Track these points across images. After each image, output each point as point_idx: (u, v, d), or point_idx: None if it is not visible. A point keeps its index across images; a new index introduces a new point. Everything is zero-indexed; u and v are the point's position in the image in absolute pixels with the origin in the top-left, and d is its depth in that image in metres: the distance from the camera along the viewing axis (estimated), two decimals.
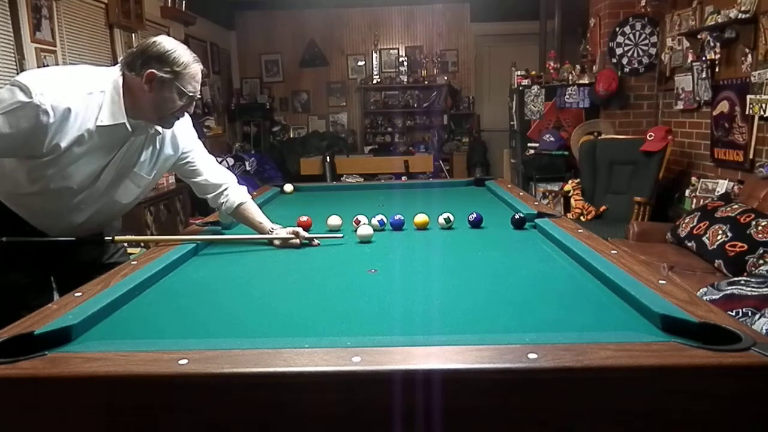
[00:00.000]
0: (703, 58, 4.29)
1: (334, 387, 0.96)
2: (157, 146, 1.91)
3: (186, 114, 1.83)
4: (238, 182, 2.11)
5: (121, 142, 1.78)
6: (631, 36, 5.30)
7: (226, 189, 2.05)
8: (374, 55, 8.42)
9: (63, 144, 1.64)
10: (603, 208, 4.74)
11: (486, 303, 1.35)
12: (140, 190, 1.96)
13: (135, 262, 1.66)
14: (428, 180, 5.67)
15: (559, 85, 5.64)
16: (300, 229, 1.99)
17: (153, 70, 1.66)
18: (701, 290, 2.54)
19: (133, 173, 1.89)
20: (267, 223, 2.03)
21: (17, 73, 3.63)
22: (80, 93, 1.66)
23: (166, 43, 1.69)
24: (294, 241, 1.95)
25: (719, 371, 0.93)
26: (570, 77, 5.63)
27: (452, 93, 8.40)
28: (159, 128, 1.85)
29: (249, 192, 2.13)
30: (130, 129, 1.74)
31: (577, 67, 5.73)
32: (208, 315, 1.33)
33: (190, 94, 1.73)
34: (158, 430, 0.98)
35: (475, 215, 2.12)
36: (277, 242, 1.98)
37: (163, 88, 1.69)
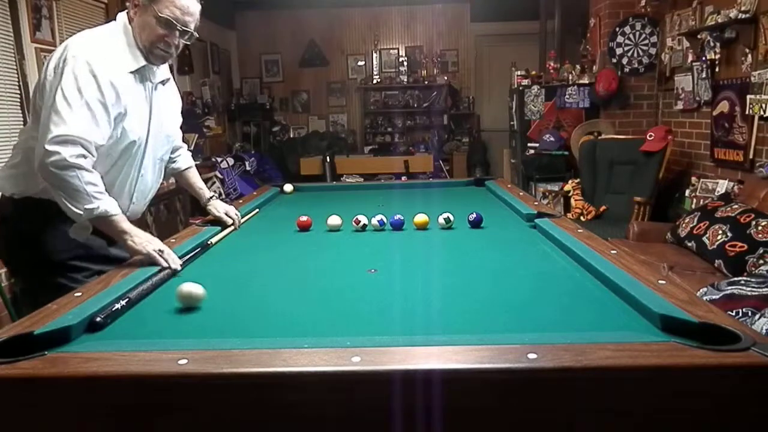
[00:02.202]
0: (703, 58, 4.29)
1: (334, 387, 0.96)
2: (165, 97, 1.94)
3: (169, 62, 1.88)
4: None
5: (147, 86, 1.84)
6: (631, 36, 5.30)
7: (180, 149, 2.16)
8: (374, 55, 8.42)
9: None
10: (603, 208, 4.74)
11: (486, 303, 1.35)
12: (169, 145, 2.02)
13: None
14: (428, 180, 5.67)
15: (559, 85, 5.64)
16: (234, 211, 2.16)
17: None
18: (701, 290, 2.53)
19: (163, 126, 1.92)
20: (206, 192, 2.20)
21: (17, 73, 3.63)
22: (111, 47, 1.73)
23: None
24: (227, 220, 2.14)
25: (719, 371, 0.93)
26: (570, 77, 5.63)
27: (452, 93, 8.40)
28: (163, 71, 1.89)
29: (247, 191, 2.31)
30: (144, 65, 1.78)
31: (577, 67, 5.73)
32: (208, 315, 1.33)
33: (166, 17, 1.70)
34: (158, 430, 0.98)
35: (475, 215, 2.12)
36: (214, 212, 2.14)
37: (143, 13, 1.72)
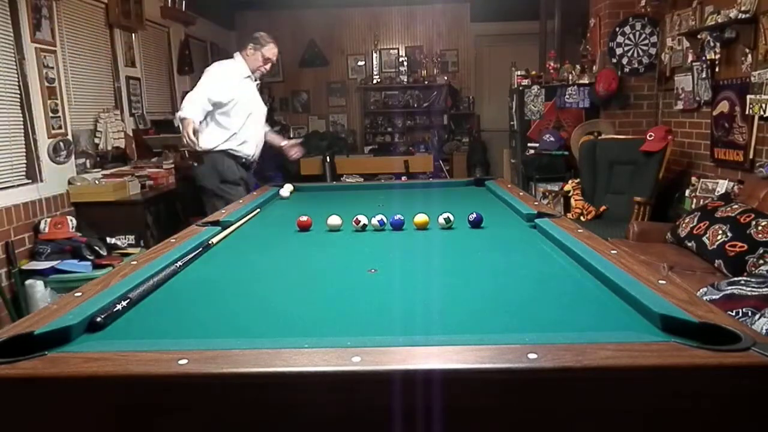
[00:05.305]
0: (703, 58, 4.29)
1: (334, 387, 0.96)
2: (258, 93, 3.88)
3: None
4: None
5: (251, 83, 3.77)
6: (631, 36, 5.30)
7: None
8: (374, 55, 8.42)
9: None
10: (603, 208, 4.74)
11: (486, 303, 1.35)
12: (264, 118, 3.95)
13: (135, 262, 1.66)
14: (428, 180, 5.67)
15: (559, 85, 5.64)
16: (293, 143, 4.05)
17: (252, 44, 3.69)
18: (701, 290, 2.53)
19: (260, 106, 3.86)
20: (279, 140, 4.08)
21: (17, 73, 3.63)
22: (233, 65, 3.76)
23: (261, 34, 3.75)
24: (293, 153, 4.01)
25: (719, 371, 0.93)
26: (570, 77, 5.63)
27: (452, 93, 8.40)
28: (256, 78, 3.78)
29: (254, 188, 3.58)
30: (249, 74, 3.74)
31: (577, 67, 5.72)
32: (208, 315, 1.33)
33: (267, 57, 3.70)
34: (158, 430, 0.98)
35: (475, 215, 2.12)
36: (293, 153, 4.00)
37: (254, 53, 3.67)
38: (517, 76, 5.93)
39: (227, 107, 3.57)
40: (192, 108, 3.45)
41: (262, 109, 3.88)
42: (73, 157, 4.10)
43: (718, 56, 4.16)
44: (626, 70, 5.36)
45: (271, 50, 3.67)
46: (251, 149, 3.74)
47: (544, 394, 0.95)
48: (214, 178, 3.63)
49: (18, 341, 1.08)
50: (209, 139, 3.61)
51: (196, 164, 3.70)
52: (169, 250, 1.80)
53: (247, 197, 3.02)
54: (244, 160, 3.72)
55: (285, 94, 8.67)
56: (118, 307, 1.29)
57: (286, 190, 3.11)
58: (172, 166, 4.97)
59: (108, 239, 3.93)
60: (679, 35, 4.73)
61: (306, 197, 3.11)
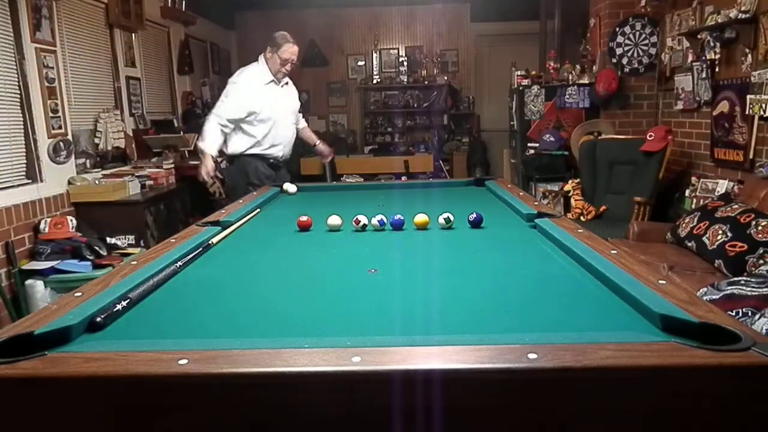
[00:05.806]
0: (703, 58, 4.29)
1: (334, 387, 0.95)
2: (288, 93, 3.88)
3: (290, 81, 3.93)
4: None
5: (275, 87, 3.76)
6: (631, 36, 5.30)
7: (300, 119, 4.10)
8: (374, 55, 8.42)
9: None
10: (603, 208, 4.74)
11: (486, 303, 1.35)
12: (294, 117, 3.97)
13: (135, 262, 1.66)
14: (428, 180, 5.67)
15: (559, 85, 5.64)
16: (326, 153, 4.20)
17: (270, 47, 3.67)
18: (701, 290, 2.53)
19: (287, 107, 3.87)
20: (314, 139, 4.19)
21: (17, 73, 3.63)
22: (255, 70, 3.80)
23: (278, 34, 3.70)
24: (326, 155, 4.21)
25: (719, 371, 0.93)
26: (570, 77, 5.63)
27: (452, 93, 8.40)
28: (281, 80, 3.77)
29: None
30: (272, 79, 3.74)
31: (577, 67, 5.72)
32: (208, 315, 1.33)
33: (285, 58, 3.65)
34: (158, 430, 0.98)
35: (475, 215, 2.12)
36: (326, 154, 4.20)
37: (273, 55, 3.67)
38: (517, 76, 5.93)
39: (250, 119, 3.65)
40: (210, 138, 3.62)
41: (291, 109, 3.90)
42: (73, 157, 4.10)
43: (718, 56, 4.16)
44: (626, 70, 5.36)
45: (287, 51, 3.64)
46: (279, 151, 3.82)
47: (544, 394, 0.95)
48: (242, 178, 3.75)
49: (18, 341, 1.08)
50: (236, 146, 3.74)
51: (227, 164, 3.94)
52: (169, 250, 1.79)
53: (247, 197, 3.02)
54: (272, 160, 3.80)
55: None
56: (118, 307, 1.29)
57: (292, 187, 3.20)
58: (172, 166, 4.97)
59: (108, 239, 3.93)
60: (679, 35, 4.73)
61: (306, 197, 3.11)
